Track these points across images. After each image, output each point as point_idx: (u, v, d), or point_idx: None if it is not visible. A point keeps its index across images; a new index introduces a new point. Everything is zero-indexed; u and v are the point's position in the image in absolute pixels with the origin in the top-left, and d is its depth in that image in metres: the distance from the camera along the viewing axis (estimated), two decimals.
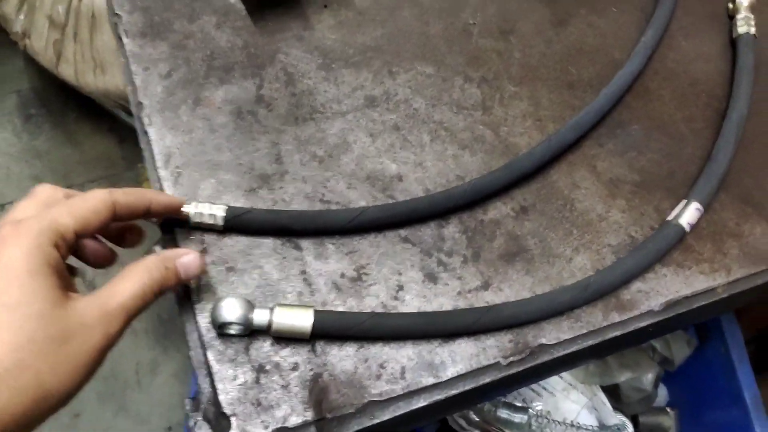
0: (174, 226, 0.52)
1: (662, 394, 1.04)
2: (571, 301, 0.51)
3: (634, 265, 0.53)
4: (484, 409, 0.85)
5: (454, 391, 0.49)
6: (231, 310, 0.46)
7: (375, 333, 0.48)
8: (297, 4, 0.65)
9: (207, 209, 0.51)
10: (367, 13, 0.66)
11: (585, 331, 0.51)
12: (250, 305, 0.47)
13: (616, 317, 0.52)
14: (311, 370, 0.48)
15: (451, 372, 0.49)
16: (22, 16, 1.60)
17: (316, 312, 0.47)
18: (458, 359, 0.49)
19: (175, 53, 0.60)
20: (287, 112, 0.58)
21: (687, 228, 0.55)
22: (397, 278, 0.52)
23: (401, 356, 0.49)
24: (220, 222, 0.51)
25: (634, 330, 0.53)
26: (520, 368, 0.50)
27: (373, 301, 0.51)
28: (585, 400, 0.90)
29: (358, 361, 0.48)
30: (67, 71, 1.57)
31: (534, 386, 0.92)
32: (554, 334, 0.51)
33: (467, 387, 0.49)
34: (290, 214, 0.52)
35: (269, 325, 0.47)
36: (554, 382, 0.92)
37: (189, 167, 0.54)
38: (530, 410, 0.85)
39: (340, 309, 0.50)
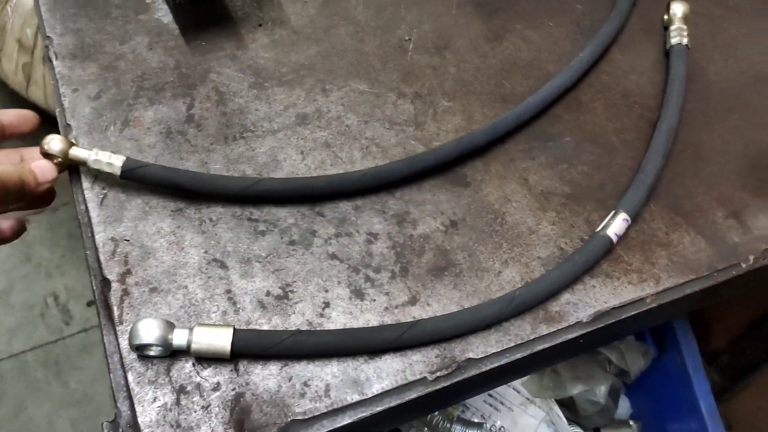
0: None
1: (625, 406, 1.04)
2: (496, 314, 0.51)
3: (560, 277, 0.53)
4: (439, 425, 0.84)
5: (379, 408, 0.48)
6: (148, 332, 0.46)
7: (296, 351, 0.48)
8: (231, 24, 0.65)
9: (106, 157, 0.52)
10: (302, 31, 0.67)
11: (513, 344, 0.51)
12: (170, 326, 0.47)
13: (544, 329, 0.52)
14: (233, 389, 0.47)
15: (376, 388, 0.48)
16: None
17: (236, 331, 0.47)
18: (384, 375, 0.49)
19: (104, 74, 0.60)
20: (217, 132, 0.59)
21: (614, 239, 0.55)
22: (323, 295, 0.52)
23: (326, 374, 0.49)
24: (117, 171, 0.53)
25: (563, 342, 0.53)
26: (447, 383, 0.50)
27: (298, 318, 0.51)
28: (543, 415, 0.90)
29: (281, 379, 0.48)
30: (36, 94, 1.58)
31: (492, 401, 0.91)
32: (482, 347, 0.51)
33: (393, 403, 0.48)
34: (186, 174, 0.54)
35: (188, 346, 0.47)
36: (512, 397, 0.92)
37: (114, 188, 0.54)
38: (485, 425, 0.85)
39: (265, 327, 0.50)
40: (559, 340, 0.52)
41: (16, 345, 1.46)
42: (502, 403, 0.90)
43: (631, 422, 0.99)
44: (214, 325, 0.48)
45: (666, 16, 0.72)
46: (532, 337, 0.52)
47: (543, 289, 0.53)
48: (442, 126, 0.62)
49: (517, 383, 0.91)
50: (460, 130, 0.62)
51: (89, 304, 1.54)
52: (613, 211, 0.57)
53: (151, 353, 0.47)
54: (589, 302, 0.54)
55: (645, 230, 0.58)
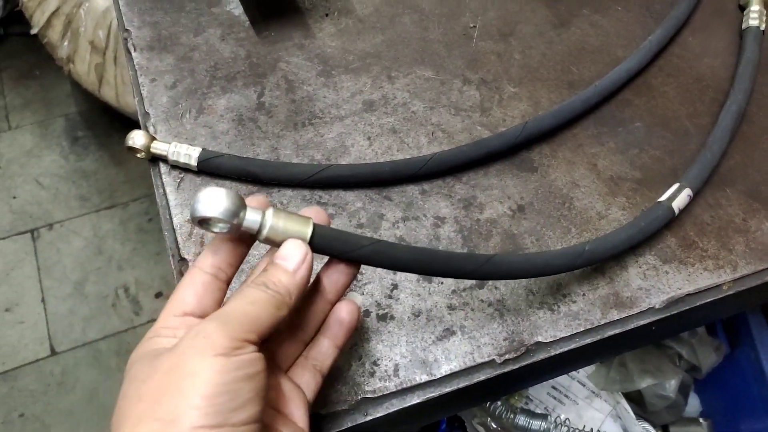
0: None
1: (694, 404, 1.00)
2: (567, 263, 0.49)
3: (627, 238, 0.52)
4: (502, 416, 0.84)
5: (448, 389, 0.48)
6: (213, 203, 0.37)
7: (374, 260, 0.43)
8: (299, 14, 0.67)
9: (184, 149, 0.55)
10: (367, 20, 0.67)
11: (582, 329, 0.51)
12: (241, 201, 0.38)
13: (615, 315, 0.51)
14: None
15: (445, 369, 0.49)
16: (66, 42, 1.67)
17: (317, 225, 0.41)
18: (452, 357, 0.49)
19: (180, 65, 0.62)
20: (287, 118, 0.60)
21: (676, 211, 0.54)
22: (391, 277, 0.53)
23: (395, 354, 0.49)
24: (194, 162, 0.55)
25: (634, 328, 0.52)
26: (516, 366, 0.49)
27: (367, 299, 0.52)
28: (609, 408, 0.88)
29: (351, 358, 0.49)
30: (108, 94, 1.64)
31: (556, 394, 0.90)
32: (551, 331, 0.51)
33: (461, 385, 0.49)
34: (258, 163, 0.56)
35: (260, 230, 0.39)
36: (577, 389, 0.90)
37: (190, 172, 0.56)
38: (549, 417, 0.84)
39: None
40: (630, 326, 0.51)
41: (90, 333, 1.52)
42: (566, 396, 0.88)
43: (701, 420, 0.96)
44: (291, 213, 0.41)
45: None
46: (602, 323, 0.51)
47: (609, 246, 0.51)
48: (508, 112, 0.62)
49: (582, 376, 0.90)
50: (527, 115, 0.62)
51: (157, 295, 1.59)
52: (678, 184, 0.55)
53: (215, 230, 0.39)
54: (662, 288, 0.53)
55: (721, 216, 0.56)
